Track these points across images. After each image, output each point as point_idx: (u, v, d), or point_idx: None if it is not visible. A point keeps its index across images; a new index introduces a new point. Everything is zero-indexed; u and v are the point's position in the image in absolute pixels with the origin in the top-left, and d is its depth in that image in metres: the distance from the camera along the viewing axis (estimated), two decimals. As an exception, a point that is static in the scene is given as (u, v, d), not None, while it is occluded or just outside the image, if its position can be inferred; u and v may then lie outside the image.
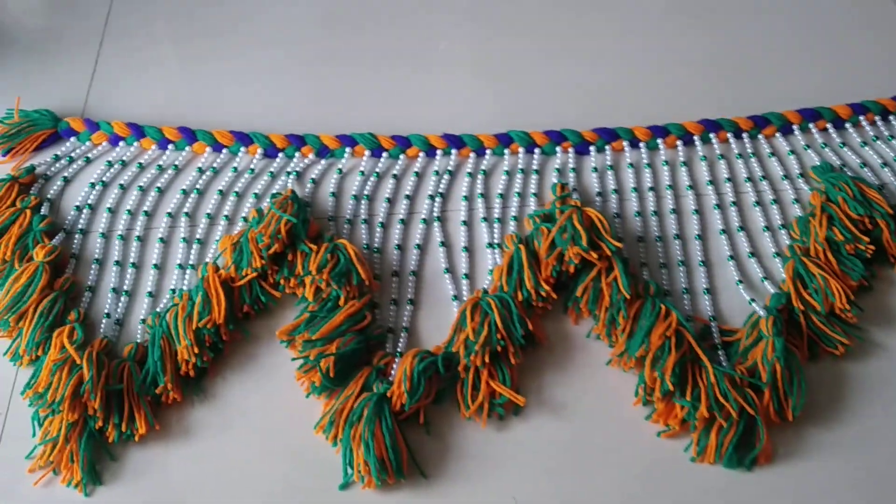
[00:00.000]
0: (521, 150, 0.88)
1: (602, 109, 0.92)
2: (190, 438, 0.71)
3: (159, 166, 0.89)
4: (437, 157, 0.88)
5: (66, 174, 0.88)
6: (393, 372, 0.72)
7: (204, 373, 0.74)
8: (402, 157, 0.88)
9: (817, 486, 0.67)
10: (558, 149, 0.88)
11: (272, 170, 0.88)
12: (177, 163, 0.89)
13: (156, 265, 0.81)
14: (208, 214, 0.84)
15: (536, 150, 0.88)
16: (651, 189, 0.85)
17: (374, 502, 0.67)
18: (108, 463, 0.70)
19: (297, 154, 0.89)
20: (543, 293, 0.74)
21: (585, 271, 0.75)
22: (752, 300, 0.76)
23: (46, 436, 0.70)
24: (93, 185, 0.87)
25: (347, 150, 0.88)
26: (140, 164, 0.89)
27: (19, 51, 1.02)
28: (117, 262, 0.81)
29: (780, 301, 0.74)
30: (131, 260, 0.81)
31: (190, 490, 0.69)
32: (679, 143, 0.88)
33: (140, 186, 0.87)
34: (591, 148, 0.88)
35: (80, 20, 1.05)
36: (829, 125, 0.90)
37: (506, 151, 0.88)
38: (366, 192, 0.85)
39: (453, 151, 0.88)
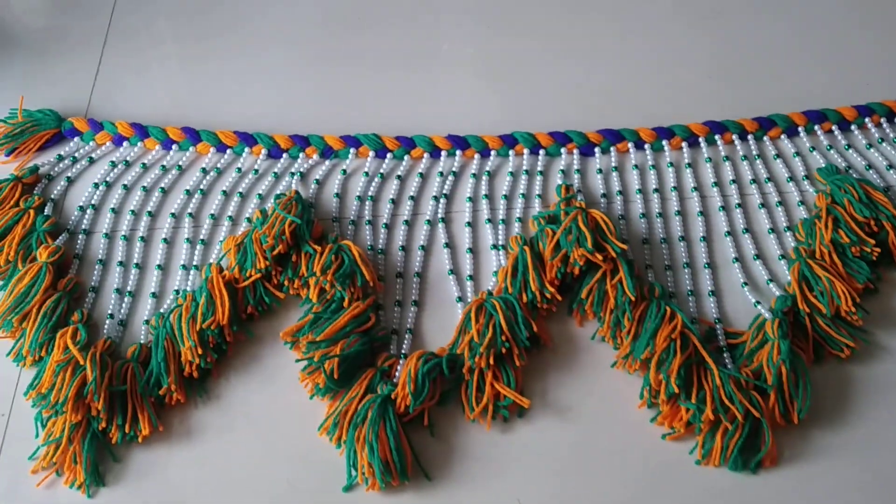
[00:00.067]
0: (525, 151, 0.88)
1: (607, 111, 0.92)
2: (193, 440, 0.71)
3: (163, 167, 0.88)
4: (442, 158, 0.88)
5: (69, 174, 0.88)
6: (397, 374, 0.72)
7: (207, 374, 0.74)
8: (406, 157, 0.88)
9: (823, 489, 0.67)
10: (563, 150, 0.88)
11: (276, 170, 0.87)
12: (180, 163, 0.89)
13: (159, 266, 0.81)
14: (212, 215, 0.84)
15: (541, 152, 0.88)
16: (656, 191, 0.85)
17: (378, 504, 0.67)
18: (111, 464, 0.70)
19: (301, 155, 0.88)
20: (548, 295, 0.73)
21: (590, 273, 0.75)
22: (758, 302, 0.76)
23: (49, 437, 0.70)
24: (96, 186, 0.87)
25: (352, 150, 0.88)
26: (144, 164, 0.89)
27: (23, 50, 1.02)
28: (121, 263, 0.81)
29: (786, 303, 0.74)
30: (135, 260, 0.81)
31: (193, 492, 0.69)
32: (684, 144, 0.88)
33: (144, 187, 0.87)
34: (596, 149, 0.88)
35: (84, 20, 1.05)
36: (834, 127, 0.89)
37: (510, 152, 0.88)
38: (370, 193, 0.85)
39: (458, 152, 0.88)
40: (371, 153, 0.88)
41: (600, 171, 0.86)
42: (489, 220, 0.83)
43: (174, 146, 0.90)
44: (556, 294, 0.74)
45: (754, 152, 0.88)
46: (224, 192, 0.86)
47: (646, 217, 0.82)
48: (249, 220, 0.83)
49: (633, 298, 0.72)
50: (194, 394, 0.73)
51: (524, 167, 0.87)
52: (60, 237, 0.82)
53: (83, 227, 0.84)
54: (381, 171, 0.87)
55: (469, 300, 0.77)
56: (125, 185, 0.87)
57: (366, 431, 0.67)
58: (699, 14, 1.02)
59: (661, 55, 0.98)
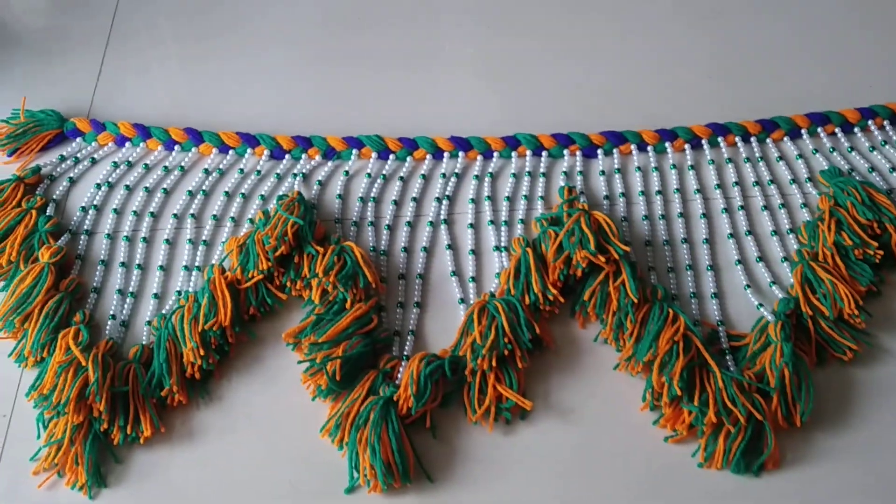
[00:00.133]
0: (528, 152, 0.88)
1: (610, 112, 0.92)
2: (195, 441, 0.71)
3: (165, 167, 0.88)
4: (445, 160, 0.88)
5: (71, 175, 0.88)
6: (399, 375, 0.72)
7: (209, 375, 0.74)
8: (409, 159, 0.88)
9: (825, 492, 0.67)
10: (566, 152, 0.88)
11: (278, 171, 0.87)
12: (183, 164, 0.89)
13: (161, 267, 0.81)
14: (214, 216, 0.84)
15: (544, 153, 0.87)
16: (659, 193, 0.84)
17: (380, 506, 0.67)
18: (112, 465, 0.70)
19: (303, 156, 0.88)
20: (551, 297, 0.73)
21: (593, 275, 0.74)
22: (760, 305, 0.76)
23: (51, 438, 0.70)
24: (98, 186, 0.87)
25: (354, 151, 0.88)
26: (146, 164, 0.89)
27: (25, 51, 1.02)
28: (123, 264, 0.81)
29: (789, 306, 0.74)
30: (137, 261, 0.81)
31: (195, 493, 0.69)
32: (687, 146, 0.88)
33: (146, 187, 0.87)
34: (599, 151, 0.88)
35: (86, 20, 1.05)
36: (837, 129, 0.89)
37: (513, 154, 0.88)
38: (372, 195, 0.85)
39: (460, 154, 0.88)
40: (374, 154, 0.88)
41: (603, 172, 0.86)
42: (492, 222, 0.82)
43: (176, 147, 0.90)
44: (558, 296, 0.74)
45: (757, 154, 0.88)
46: (226, 192, 0.86)
47: (648, 219, 0.82)
48: (252, 221, 0.83)
49: (635, 300, 0.72)
50: (196, 395, 0.73)
51: (527, 169, 0.87)
52: (62, 238, 0.82)
53: (85, 227, 0.84)
54: (384, 172, 0.87)
55: (471, 302, 0.77)
56: (127, 186, 0.87)
57: (368, 433, 0.67)
58: (699, 14, 1.02)
59: (661, 55, 0.98)
